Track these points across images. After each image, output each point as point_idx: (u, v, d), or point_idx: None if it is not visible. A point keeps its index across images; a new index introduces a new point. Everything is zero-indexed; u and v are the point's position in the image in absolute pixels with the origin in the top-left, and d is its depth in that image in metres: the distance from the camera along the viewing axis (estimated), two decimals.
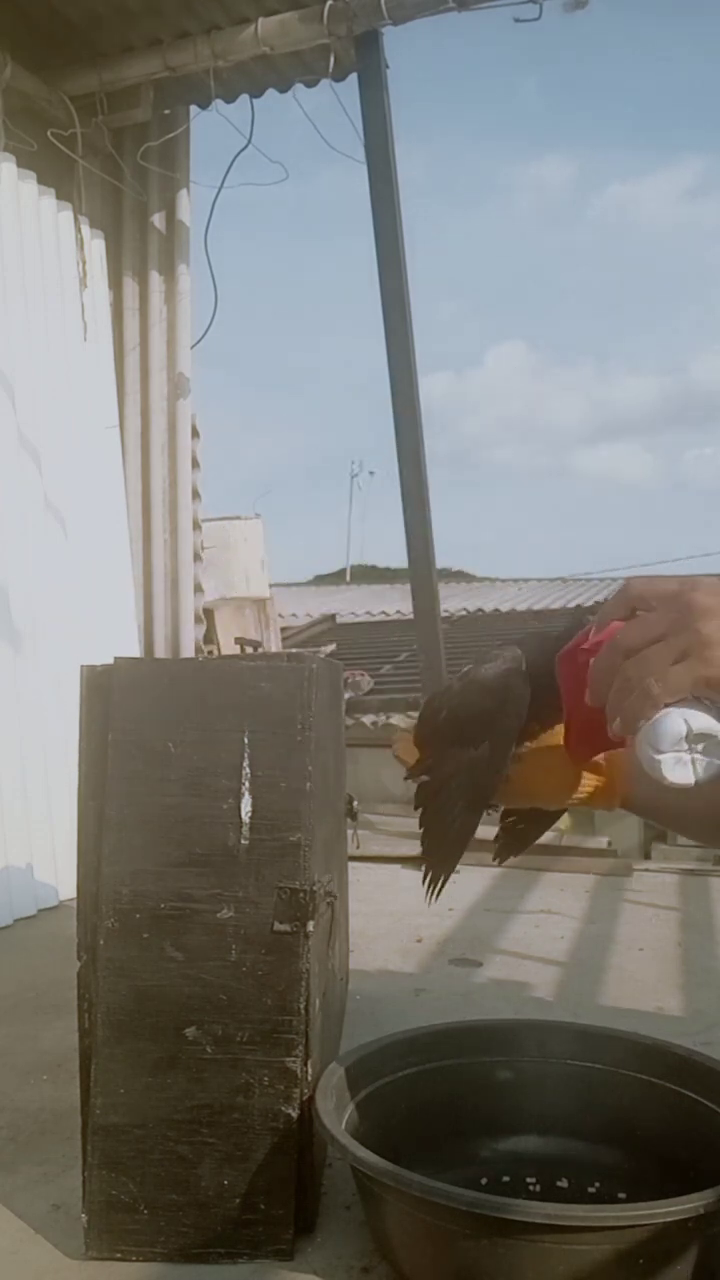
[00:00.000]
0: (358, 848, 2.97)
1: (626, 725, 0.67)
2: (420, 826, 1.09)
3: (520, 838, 1.23)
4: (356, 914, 2.25)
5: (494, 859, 1.22)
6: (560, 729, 0.99)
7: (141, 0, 3.29)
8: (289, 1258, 1.18)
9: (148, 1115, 1.20)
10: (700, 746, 0.66)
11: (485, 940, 2.49)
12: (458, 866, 1.07)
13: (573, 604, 7.70)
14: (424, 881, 1.07)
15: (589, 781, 1.03)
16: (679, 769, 0.67)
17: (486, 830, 1.14)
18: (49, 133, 3.42)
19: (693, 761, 0.66)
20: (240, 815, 1.23)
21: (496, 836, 1.23)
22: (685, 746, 0.65)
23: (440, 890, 1.06)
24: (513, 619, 7.33)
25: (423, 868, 1.08)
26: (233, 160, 3.72)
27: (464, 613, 7.34)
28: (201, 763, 1.24)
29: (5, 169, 2.99)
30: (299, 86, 3.64)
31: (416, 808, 1.09)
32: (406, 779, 1.11)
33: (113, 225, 3.83)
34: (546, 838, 3.66)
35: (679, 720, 0.65)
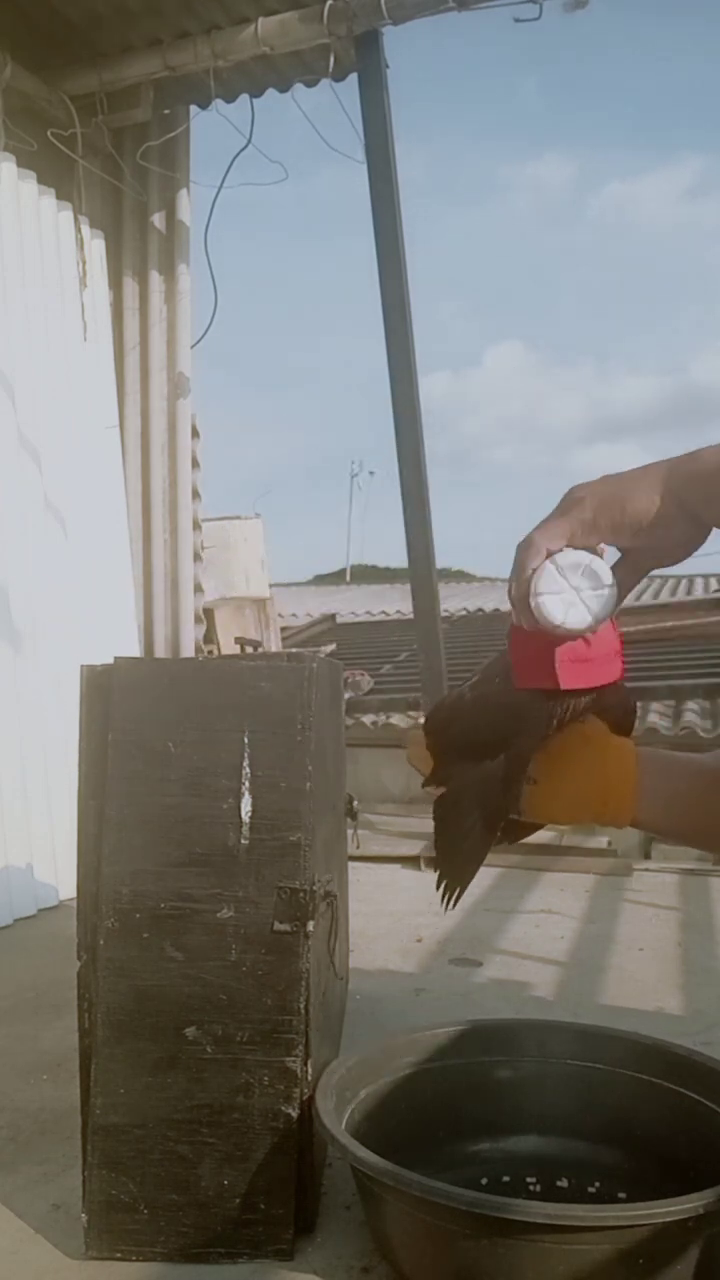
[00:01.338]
0: (358, 848, 2.97)
1: (520, 587, 0.79)
2: (435, 837, 1.08)
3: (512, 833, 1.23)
4: (356, 914, 2.25)
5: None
6: (567, 744, 0.98)
7: (141, 0, 3.29)
8: (289, 1258, 1.18)
9: (148, 1115, 1.20)
10: (584, 585, 0.76)
11: (485, 940, 2.49)
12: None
13: None
14: (438, 889, 1.06)
15: (599, 799, 1.02)
16: (572, 611, 0.77)
17: None
18: (49, 133, 3.42)
19: (581, 600, 0.76)
20: (240, 815, 1.23)
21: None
22: (568, 586, 0.76)
23: (455, 902, 1.06)
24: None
25: (438, 877, 1.07)
26: (233, 160, 3.72)
27: (464, 613, 7.33)
28: (201, 763, 1.24)
29: (5, 169, 2.99)
30: (299, 86, 3.63)
31: (434, 818, 1.09)
32: (424, 786, 1.10)
33: (113, 225, 3.83)
34: (547, 838, 3.65)
35: (551, 564, 0.75)
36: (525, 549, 0.79)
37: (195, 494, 3.99)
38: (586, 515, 0.77)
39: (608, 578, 0.77)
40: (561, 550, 0.77)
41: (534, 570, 0.78)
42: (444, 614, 4.43)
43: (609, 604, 0.77)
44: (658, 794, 0.99)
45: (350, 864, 1.99)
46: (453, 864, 1.06)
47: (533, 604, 0.77)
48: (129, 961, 1.22)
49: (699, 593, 7.47)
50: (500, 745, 0.99)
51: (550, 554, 0.77)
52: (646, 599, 7.56)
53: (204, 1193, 1.19)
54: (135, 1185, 1.20)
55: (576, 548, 0.77)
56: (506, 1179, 1.30)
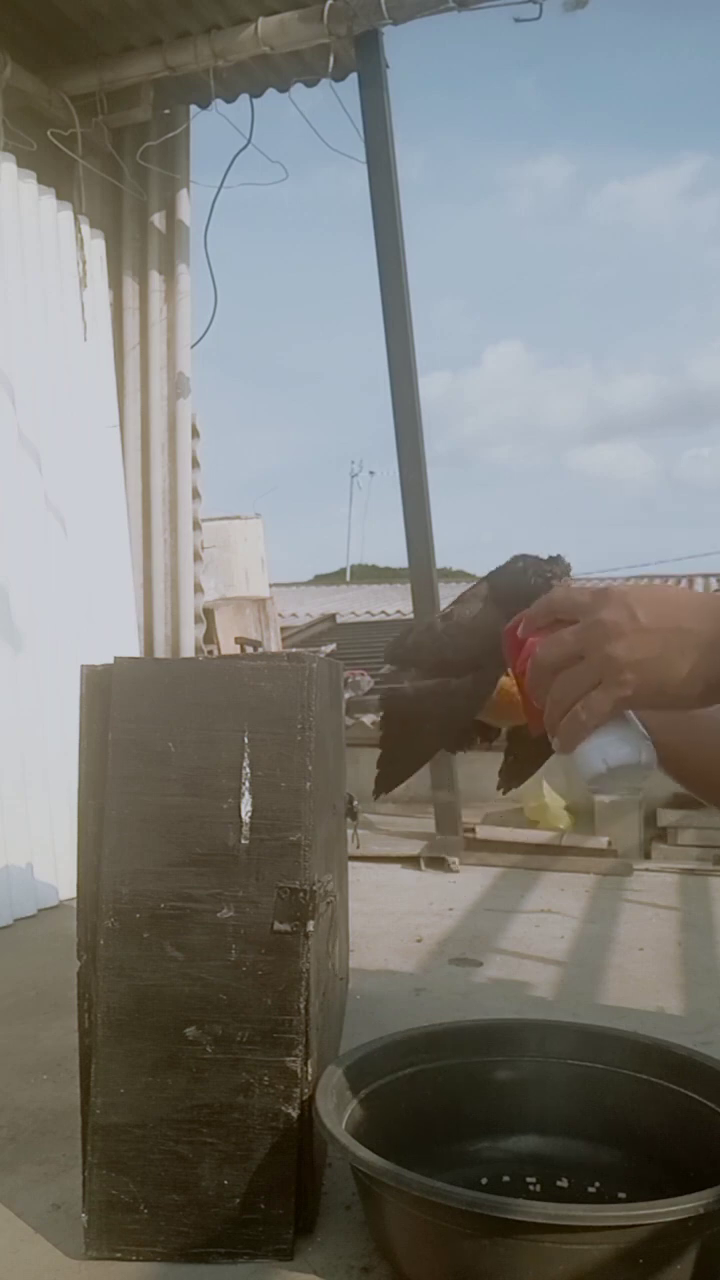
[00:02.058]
0: (358, 848, 2.97)
1: (566, 747, 0.74)
2: (382, 734, 1.09)
3: (519, 770, 1.23)
4: (356, 914, 2.25)
5: (499, 789, 1.21)
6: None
7: (142, 0, 3.29)
8: (289, 1258, 1.18)
9: (148, 1115, 1.20)
10: (621, 775, 0.74)
11: (485, 940, 2.49)
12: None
13: None
14: (375, 782, 1.07)
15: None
16: (608, 789, 0.76)
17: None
18: (49, 133, 3.42)
19: (625, 744, 0.74)
20: (240, 815, 1.23)
21: (500, 770, 1.22)
22: (607, 771, 0.73)
23: (389, 789, 1.07)
24: None
25: (378, 770, 1.08)
26: (232, 160, 3.72)
27: None
28: (201, 762, 1.24)
29: (5, 169, 2.99)
30: (299, 86, 3.63)
31: (384, 717, 1.09)
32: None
33: (113, 225, 3.83)
34: (546, 837, 3.65)
35: (599, 760, 0.73)
36: (572, 730, 0.72)
37: (195, 494, 3.99)
38: (626, 693, 0.69)
39: (642, 730, 0.75)
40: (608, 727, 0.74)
41: (581, 748, 0.73)
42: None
43: (650, 751, 0.76)
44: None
45: (350, 864, 1.99)
46: (398, 760, 1.08)
47: (577, 767, 0.75)
48: (129, 961, 1.22)
49: None
50: (468, 666, 1.03)
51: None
52: None
53: (204, 1193, 1.19)
54: (135, 1185, 1.19)
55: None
56: (506, 1179, 1.30)
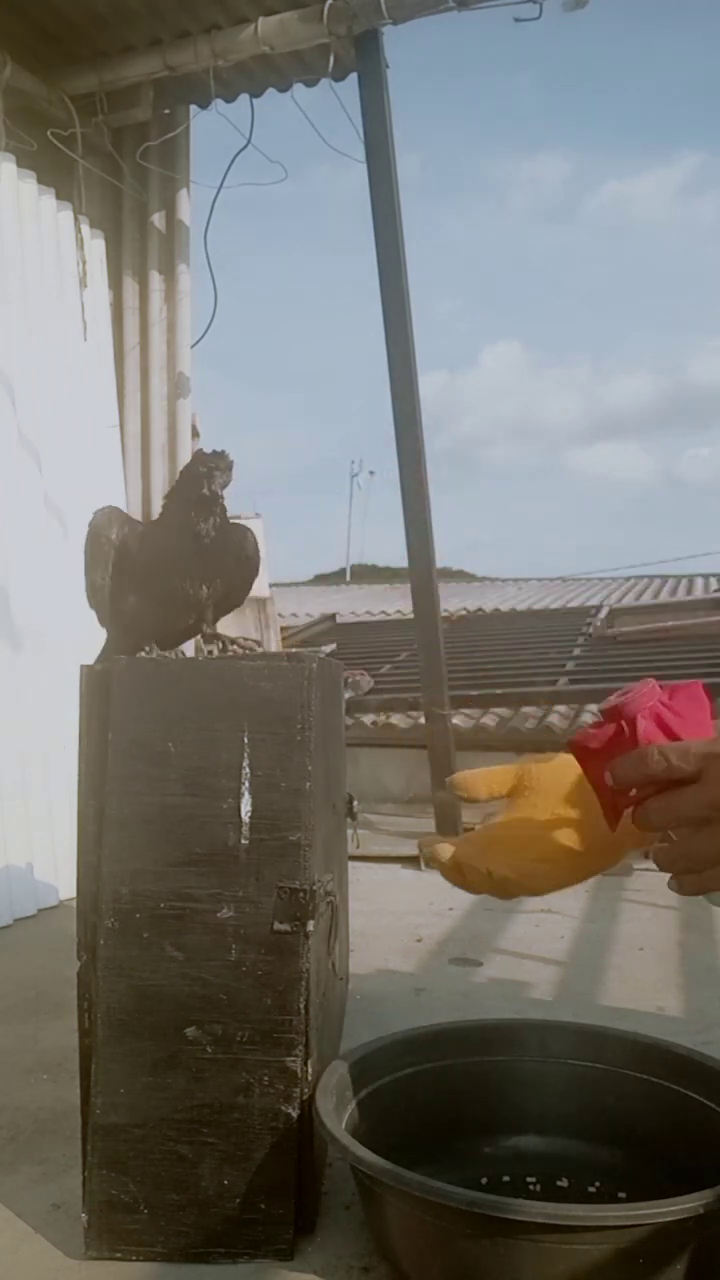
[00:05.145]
0: (358, 848, 2.97)
1: (685, 894, 0.70)
2: None
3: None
4: (356, 914, 2.25)
5: None
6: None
7: (142, 0, 3.28)
8: (289, 1258, 1.18)
9: (148, 1115, 1.20)
10: None
11: (485, 940, 2.49)
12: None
13: (572, 603, 7.69)
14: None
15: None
16: None
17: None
18: (49, 133, 3.41)
19: None
20: (240, 815, 1.23)
21: None
22: None
23: None
24: (513, 619, 7.33)
25: None
26: (232, 160, 3.71)
27: (464, 613, 7.33)
28: (201, 762, 1.24)
29: (5, 169, 2.99)
30: (299, 86, 3.63)
31: None
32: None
33: (113, 225, 3.82)
34: None
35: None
36: (697, 888, 0.69)
37: None
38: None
39: None
40: None
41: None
42: (444, 614, 4.43)
43: None
44: None
45: (350, 864, 1.99)
46: None
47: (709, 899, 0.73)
48: (129, 961, 1.22)
49: (699, 593, 7.47)
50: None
51: None
52: (646, 599, 7.57)
53: (204, 1193, 1.19)
54: (135, 1185, 1.20)
55: None
56: (506, 1179, 1.30)
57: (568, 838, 0.81)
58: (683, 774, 0.66)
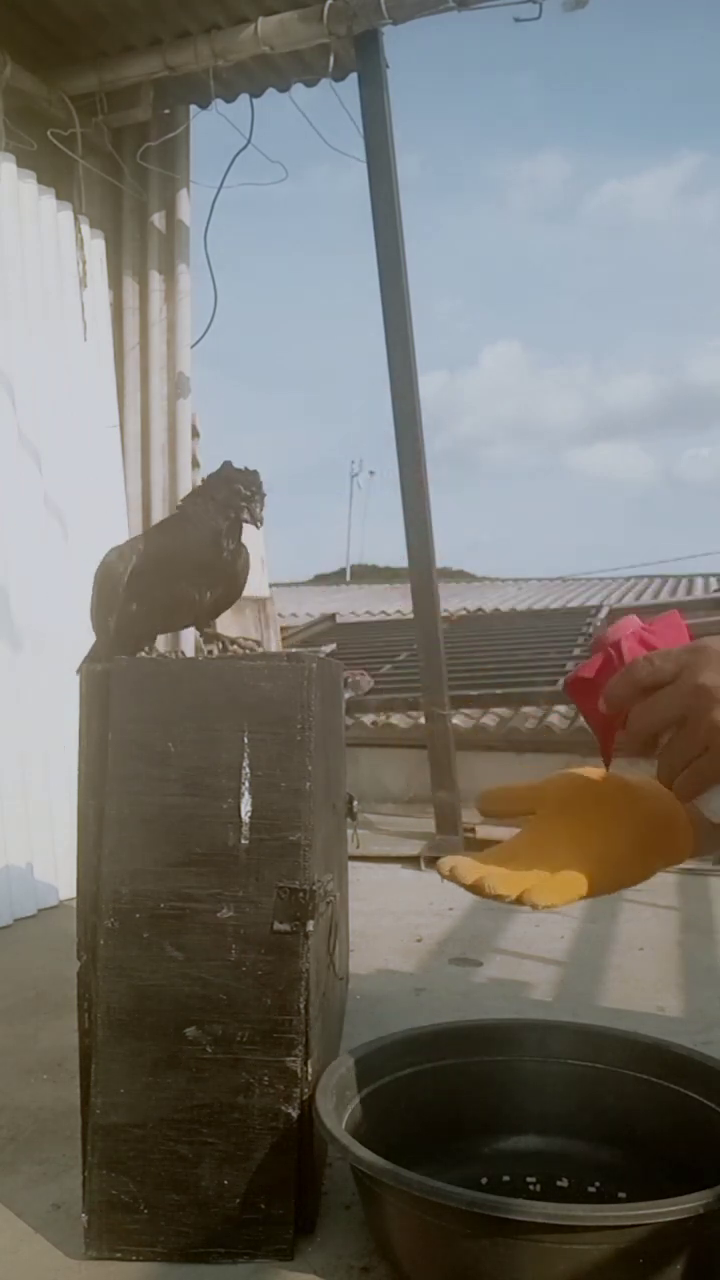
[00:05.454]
0: (358, 848, 2.97)
1: (683, 801, 0.72)
2: None
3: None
4: (356, 914, 2.25)
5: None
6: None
7: (141, 0, 3.28)
8: (289, 1258, 1.18)
9: (148, 1115, 1.20)
10: None
11: (485, 940, 2.49)
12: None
13: (573, 603, 7.69)
14: None
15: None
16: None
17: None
18: (49, 133, 3.41)
19: None
20: (240, 815, 1.23)
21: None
22: None
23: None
24: (513, 619, 7.33)
25: None
26: (232, 160, 3.72)
27: (464, 613, 7.33)
28: (201, 762, 1.24)
29: (5, 169, 2.99)
30: (299, 86, 3.63)
31: None
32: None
33: (113, 225, 3.82)
34: None
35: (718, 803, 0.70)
36: (685, 792, 0.70)
37: None
38: None
39: None
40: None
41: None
42: (444, 614, 4.42)
43: None
44: None
45: (350, 864, 1.99)
46: None
47: (708, 813, 0.73)
48: (129, 961, 1.22)
49: (699, 593, 7.46)
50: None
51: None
52: (647, 599, 7.57)
53: (204, 1193, 1.19)
54: (135, 1185, 1.20)
55: None
56: (506, 1179, 1.30)
57: (591, 856, 0.81)
58: (666, 675, 0.68)
